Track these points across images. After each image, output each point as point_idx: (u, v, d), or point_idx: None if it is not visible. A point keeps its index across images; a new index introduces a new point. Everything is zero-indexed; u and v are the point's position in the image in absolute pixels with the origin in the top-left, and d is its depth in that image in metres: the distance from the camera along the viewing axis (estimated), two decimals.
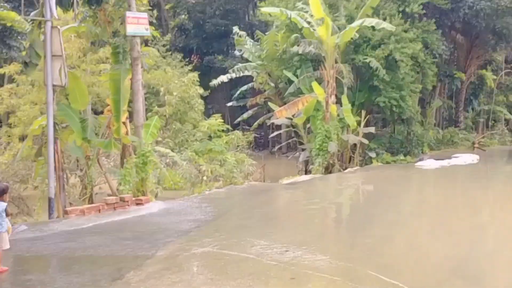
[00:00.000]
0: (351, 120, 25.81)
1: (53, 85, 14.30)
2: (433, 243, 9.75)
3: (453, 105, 42.76)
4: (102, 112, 19.08)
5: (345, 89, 27.05)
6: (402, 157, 29.02)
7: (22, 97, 21.83)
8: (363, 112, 27.27)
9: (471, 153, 30.73)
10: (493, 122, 45.08)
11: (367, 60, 27.39)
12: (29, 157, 19.30)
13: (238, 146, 25.36)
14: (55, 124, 14.40)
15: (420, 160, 28.09)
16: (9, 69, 21.82)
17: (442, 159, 26.67)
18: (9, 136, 21.79)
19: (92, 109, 19.04)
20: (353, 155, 26.94)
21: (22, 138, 21.79)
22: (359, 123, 26.84)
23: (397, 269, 7.75)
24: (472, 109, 44.15)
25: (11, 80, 23.37)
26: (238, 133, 25.26)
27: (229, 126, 27.80)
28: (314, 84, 25.55)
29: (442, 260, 8.40)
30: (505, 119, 47.04)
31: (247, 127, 42.85)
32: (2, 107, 22.04)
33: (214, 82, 35.01)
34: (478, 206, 14.67)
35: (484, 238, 10.36)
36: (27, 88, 21.85)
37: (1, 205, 7.19)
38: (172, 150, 22.53)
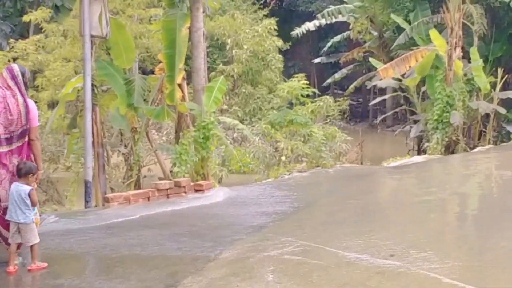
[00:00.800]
0: (482, 81, 25.16)
1: (92, 36, 14.68)
2: None
3: None
4: (152, 72, 19.53)
5: (476, 39, 26.42)
6: None
7: (52, 52, 22.59)
8: (500, 71, 26.53)
9: None
10: None
11: (507, 0, 26.49)
12: (60, 129, 20.06)
13: (327, 116, 25.31)
14: (93, 86, 14.82)
15: None
16: (36, 15, 22.52)
17: None
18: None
19: (139, 68, 19.54)
20: (484, 130, 26.32)
21: (52, 105, 22.67)
22: (493, 86, 26.11)
23: None
24: None
25: (39, 29, 24.22)
26: (328, 99, 25.16)
27: (316, 90, 27.78)
28: (433, 33, 25.05)
29: None
30: None
31: (340, 92, 42.73)
32: (27, 65, 22.84)
33: (297, 31, 34.92)
34: None
35: None
36: (58, 40, 22.59)
37: (24, 189, 7.49)
38: (242, 122, 22.87)
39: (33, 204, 7.56)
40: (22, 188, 7.44)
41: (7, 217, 7.50)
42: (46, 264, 7.63)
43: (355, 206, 13.00)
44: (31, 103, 7.86)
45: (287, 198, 13.55)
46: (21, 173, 7.50)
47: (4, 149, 7.54)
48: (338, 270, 7.72)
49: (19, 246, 7.64)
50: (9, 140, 7.57)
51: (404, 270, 7.69)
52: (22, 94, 7.68)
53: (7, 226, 7.63)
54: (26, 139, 7.75)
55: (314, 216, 11.92)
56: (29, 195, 7.45)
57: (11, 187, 7.48)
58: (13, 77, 7.70)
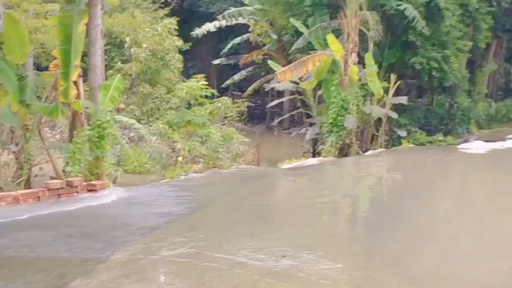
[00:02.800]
0: (376, 86, 25.76)
1: None
2: (478, 251, 9.79)
3: (511, 70, 42.79)
4: (47, 68, 18.97)
5: (371, 45, 26.98)
6: (441, 137, 29.12)
7: None
8: (393, 77, 27.25)
9: None
10: None
11: (402, 8, 27.29)
12: None
13: (226, 117, 25.32)
14: None
15: (465, 141, 28.27)
16: None
17: (494, 141, 26.84)
18: None
19: (34, 64, 18.91)
20: (376, 133, 26.97)
21: None
22: (386, 91, 26.82)
23: (428, 284, 7.79)
24: None
25: None
26: (226, 100, 25.20)
27: (215, 91, 27.76)
28: (330, 38, 25.43)
29: (488, 274, 8.43)
30: None
31: (239, 93, 42.79)
32: None
33: (197, 31, 34.88)
34: None
35: None
36: None
37: None
38: (139, 121, 22.49)
39: None
40: None
41: None
42: None
43: (250, 207, 13.10)
44: None
45: (182, 199, 13.49)
46: None
47: None
48: (231, 271, 7.74)
49: None
50: None
51: (295, 271, 7.81)
52: None
53: None
54: None
55: (209, 217, 11.92)
56: None
57: None
58: None
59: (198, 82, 24.13)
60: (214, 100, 24.88)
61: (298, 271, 7.80)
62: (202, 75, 25.34)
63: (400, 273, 8.13)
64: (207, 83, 24.48)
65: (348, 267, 8.19)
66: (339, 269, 8.03)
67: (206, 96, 24.22)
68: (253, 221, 11.53)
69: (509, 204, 14.54)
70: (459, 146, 26.51)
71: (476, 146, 25.63)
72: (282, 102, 36.05)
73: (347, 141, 24.63)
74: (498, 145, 26.18)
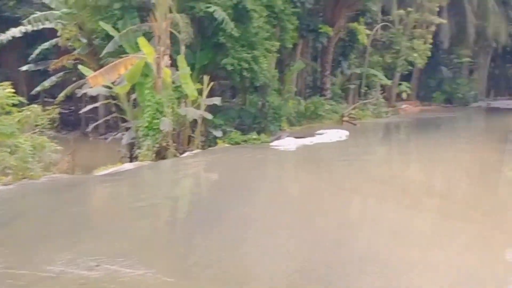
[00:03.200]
0: (190, 88, 25.90)
1: None
2: (292, 244, 10.16)
3: (318, 68, 44.79)
4: None
5: (183, 47, 27.05)
6: (255, 135, 29.70)
7: None
8: (206, 78, 27.46)
9: (339, 128, 32.71)
10: (366, 88, 47.71)
11: (211, 10, 27.60)
12: None
13: (36, 126, 24.38)
14: None
15: (277, 139, 29.18)
16: None
17: (304, 137, 28.05)
18: None
19: None
20: (193, 135, 27.11)
21: None
22: (200, 93, 27.04)
23: (241, 280, 7.97)
24: (341, 72, 46.51)
25: None
26: (36, 108, 24.24)
27: (23, 99, 26.61)
28: (141, 41, 25.19)
29: (300, 265, 8.76)
30: (381, 85, 49.82)
31: (51, 100, 41.43)
32: None
33: (2, 37, 33.29)
34: (346, 196, 15.53)
35: (354, 239, 10.98)
36: None
37: None
38: None
39: None
40: None
41: None
42: None
43: (63, 218, 12.68)
44: None
45: None
46: None
47: None
48: (41, 285, 7.50)
49: None
50: None
51: (109, 279, 7.72)
52: None
53: None
54: None
55: (18, 232, 11.39)
56: None
57: None
58: None
59: (4, 90, 23.05)
60: (23, 108, 23.87)
61: (112, 279, 7.71)
62: (8, 83, 24.24)
63: (214, 274, 8.27)
64: (14, 90, 23.43)
65: (162, 271, 8.19)
66: (152, 274, 8.02)
67: (14, 105, 23.20)
68: (66, 232, 11.18)
69: (318, 196, 15.27)
70: (271, 144, 27.37)
71: (288, 143, 26.65)
72: (96, 107, 35.27)
73: (164, 144, 24.52)
74: (307, 141, 27.39)
